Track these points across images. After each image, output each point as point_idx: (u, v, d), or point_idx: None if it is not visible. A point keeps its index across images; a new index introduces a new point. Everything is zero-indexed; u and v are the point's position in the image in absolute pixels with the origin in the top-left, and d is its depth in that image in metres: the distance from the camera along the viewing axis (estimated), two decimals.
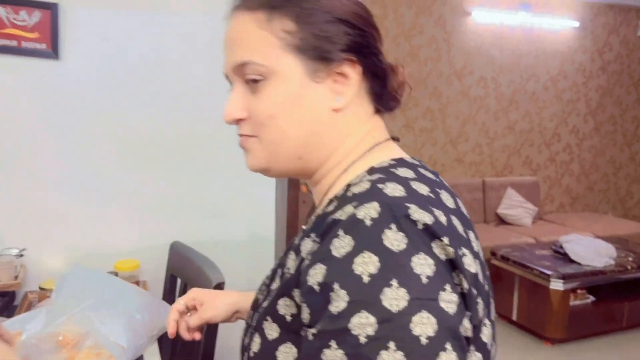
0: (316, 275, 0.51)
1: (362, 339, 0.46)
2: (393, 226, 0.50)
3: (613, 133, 5.35)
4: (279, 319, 0.57)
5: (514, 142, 4.96)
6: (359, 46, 0.61)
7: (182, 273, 1.58)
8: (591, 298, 3.24)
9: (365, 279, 0.48)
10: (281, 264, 0.64)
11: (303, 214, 1.91)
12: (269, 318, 0.58)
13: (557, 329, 3.12)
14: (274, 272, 0.66)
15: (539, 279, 3.16)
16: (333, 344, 0.48)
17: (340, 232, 0.51)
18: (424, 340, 0.46)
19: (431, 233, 0.51)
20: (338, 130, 0.63)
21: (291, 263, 0.60)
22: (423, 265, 0.49)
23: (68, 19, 1.59)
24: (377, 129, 0.66)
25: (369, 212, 0.51)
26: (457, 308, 0.49)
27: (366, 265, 0.48)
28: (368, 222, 0.50)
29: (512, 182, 4.81)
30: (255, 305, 0.67)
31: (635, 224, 4.77)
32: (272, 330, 0.58)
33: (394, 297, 0.47)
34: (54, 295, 1.24)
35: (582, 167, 5.30)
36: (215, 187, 1.84)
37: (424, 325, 0.46)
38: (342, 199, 0.57)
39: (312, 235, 0.57)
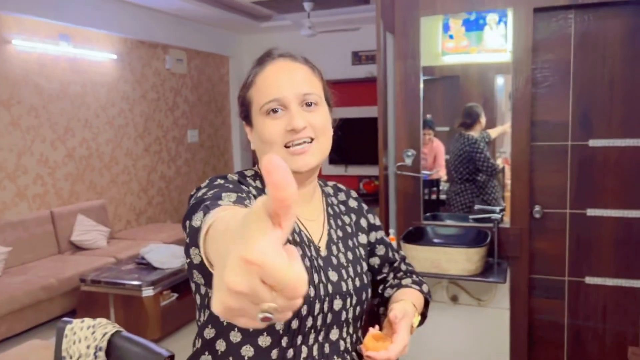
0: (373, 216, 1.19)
1: None
2: None
3: (160, 152, 6.15)
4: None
5: (76, 169, 5.03)
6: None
7: None
8: (175, 295, 3.77)
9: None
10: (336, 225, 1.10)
11: None
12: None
13: (155, 330, 3.50)
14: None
15: (132, 292, 3.45)
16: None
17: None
18: None
19: None
20: None
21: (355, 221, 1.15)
22: None
23: None
24: None
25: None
26: None
27: None
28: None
29: (80, 209, 4.88)
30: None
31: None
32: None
33: None
34: None
35: (140, 185, 5.87)
36: None
37: None
38: (338, 192, 1.17)
39: (351, 212, 1.15)
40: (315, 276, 0.94)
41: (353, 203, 1.16)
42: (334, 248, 1.03)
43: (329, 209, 1.09)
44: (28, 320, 3.76)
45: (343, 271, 1.00)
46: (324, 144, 0.97)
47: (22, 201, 4.51)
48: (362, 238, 1.12)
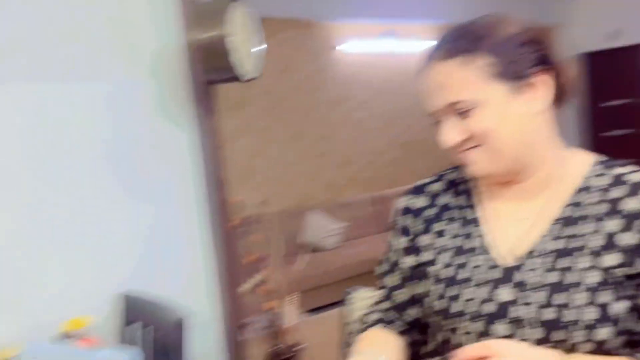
0: None
1: None
2: None
3: None
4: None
5: (402, 155, 5.45)
6: (542, 59, 0.83)
7: (138, 319, 1.64)
8: None
9: None
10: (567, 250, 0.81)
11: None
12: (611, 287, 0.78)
13: None
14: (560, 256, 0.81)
15: None
16: None
17: None
18: None
19: None
20: (542, 130, 0.85)
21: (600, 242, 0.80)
22: None
23: None
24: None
25: None
26: None
27: None
28: None
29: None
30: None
31: None
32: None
33: None
34: None
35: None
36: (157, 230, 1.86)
37: None
38: (618, 184, 0.82)
39: (615, 216, 0.81)
40: (459, 290, 0.87)
41: (633, 205, 0.81)
42: (535, 261, 0.82)
43: (568, 210, 0.84)
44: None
45: (529, 294, 0.81)
46: (496, 146, 0.82)
47: (354, 186, 5.16)
48: (610, 259, 0.79)
